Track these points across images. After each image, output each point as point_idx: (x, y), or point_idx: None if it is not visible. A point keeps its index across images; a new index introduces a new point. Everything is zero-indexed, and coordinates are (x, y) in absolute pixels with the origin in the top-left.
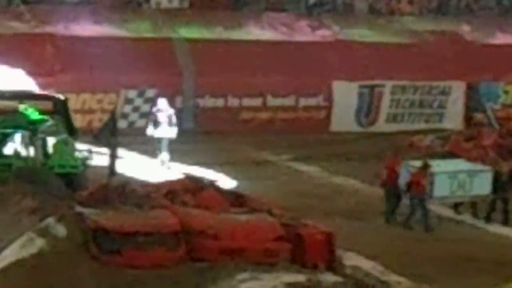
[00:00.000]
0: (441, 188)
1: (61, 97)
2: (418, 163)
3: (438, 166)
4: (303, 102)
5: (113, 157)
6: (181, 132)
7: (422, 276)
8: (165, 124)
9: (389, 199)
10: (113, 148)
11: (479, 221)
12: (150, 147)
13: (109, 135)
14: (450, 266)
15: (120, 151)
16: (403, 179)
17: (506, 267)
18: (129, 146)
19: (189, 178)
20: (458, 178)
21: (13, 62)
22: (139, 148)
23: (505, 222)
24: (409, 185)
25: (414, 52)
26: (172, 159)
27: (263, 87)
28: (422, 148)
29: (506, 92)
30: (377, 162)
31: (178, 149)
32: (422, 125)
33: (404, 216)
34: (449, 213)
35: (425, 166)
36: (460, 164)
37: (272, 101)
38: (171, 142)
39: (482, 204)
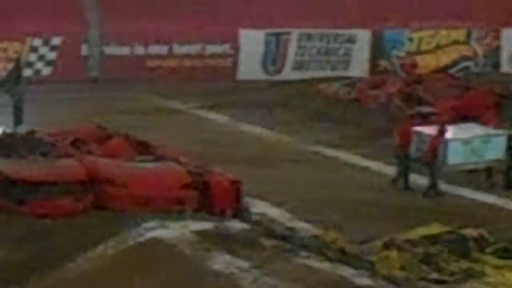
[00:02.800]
0: (455, 155)
1: None
2: (431, 130)
3: (452, 132)
4: (209, 49)
5: (18, 106)
6: (87, 81)
7: (329, 223)
8: None
9: (400, 166)
10: (18, 96)
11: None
12: (55, 95)
13: (14, 83)
14: (355, 212)
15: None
16: (415, 147)
17: (409, 212)
18: (34, 95)
19: (96, 126)
20: (472, 145)
21: None
22: (44, 97)
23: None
24: (425, 153)
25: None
26: (78, 107)
27: (170, 35)
28: (329, 95)
29: (410, 40)
30: (283, 110)
31: (85, 97)
32: (328, 73)
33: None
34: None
35: (442, 132)
36: (474, 129)
37: (178, 49)
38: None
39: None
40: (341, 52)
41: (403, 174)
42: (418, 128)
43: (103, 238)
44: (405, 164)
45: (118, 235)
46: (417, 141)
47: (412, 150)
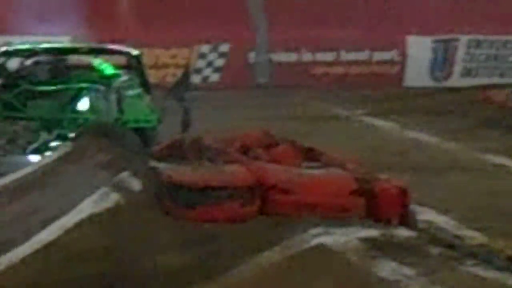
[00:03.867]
0: None
1: (135, 52)
2: None
3: None
4: (377, 56)
5: (187, 112)
6: (254, 87)
7: (497, 231)
8: None
9: None
10: (186, 103)
11: None
12: (222, 102)
13: (183, 90)
14: None
15: (194, 106)
16: None
17: None
18: (202, 101)
19: (263, 132)
20: None
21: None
22: (212, 103)
23: None
24: None
25: (489, 4)
26: (246, 113)
27: (337, 42)
28: (498, 103)
29: None
30: (451, 117)
31: (252, 104)
32: (497, 80)
33: None
34: None
35: None
36: None
37: (345, 56)
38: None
39: None
40: (511, 58)
41: None
42: None
43: (269, 244)
44: None
45: (283, 241)
46: None
47: None
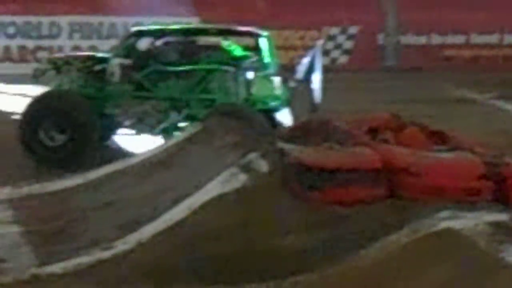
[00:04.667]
0: None
1: (264, 33)
2: None
3: None
4: (508, 39)
5: (314, 93)
6: (383, 70)
7: None
8: None
9: None
10: (315, 84)
11: None
12: (350, 84)
13: (310, 71)
14: None
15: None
16: None
17: None
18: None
19: (391, 115)
20: None
21: None
22: (340, 85)
23: None
24: None
25: None
26: (374, 96)
27: (467, 24)
28: None
29: None
30: None
31: (380, 87)
32: None
33: None
34: None
35: None
36: None
37: (476, 39)
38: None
39: None
40: None
41: None
42: None
43: (396, 227)
44: None
45: (411, 225)
46: None
47: None
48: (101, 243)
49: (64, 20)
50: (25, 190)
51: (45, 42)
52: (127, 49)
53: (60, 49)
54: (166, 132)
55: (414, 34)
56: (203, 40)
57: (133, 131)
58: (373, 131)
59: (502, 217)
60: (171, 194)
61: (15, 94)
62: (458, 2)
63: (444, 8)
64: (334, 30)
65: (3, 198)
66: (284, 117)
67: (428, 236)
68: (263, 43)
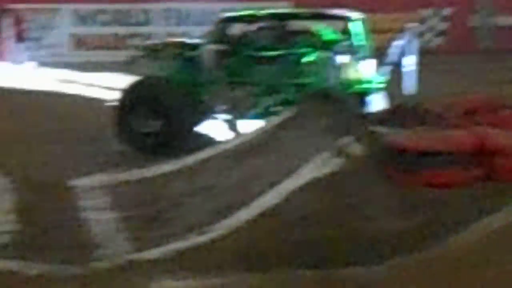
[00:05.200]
0: None
1: (357, 16)
2: None
3: None
4: None
5: (405, 77)
6: (478, 51)
7: None
8: None
9: None
10: (406, 68)
11: None
12: (445, 66)
13: (402, 55)
14: None
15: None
16: None
17: None
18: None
19: (487, 97)
20: None
21: None
22: (434, 67)
23: None
24: None
25: None
26: (469, 78)
27: None
28: None
29: None
30: None
31: (475, 68)
32: None
33: None
34: None
35: None
36: None
37: None
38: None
39: None
40: None
41: None
42: None
43: (492, 210)
44: None
45: (506, 208)
46: None
47: None
48: (195, 229)
49: (156, 7)
50: (122, 176)
51: (138, 29)
52: (220, 35)
53: (152, 36)
54: (260, 117)
55: (509, 15)
56: (294, 24)
57: (227, 117)
58: (469, 113)
59: None
60: (265, 179)
61: (109, 82)
62: None
63: None
64: (427, 12)
65: (100, 185)
66: (378, 100)
67: None
68: (355, 26)
